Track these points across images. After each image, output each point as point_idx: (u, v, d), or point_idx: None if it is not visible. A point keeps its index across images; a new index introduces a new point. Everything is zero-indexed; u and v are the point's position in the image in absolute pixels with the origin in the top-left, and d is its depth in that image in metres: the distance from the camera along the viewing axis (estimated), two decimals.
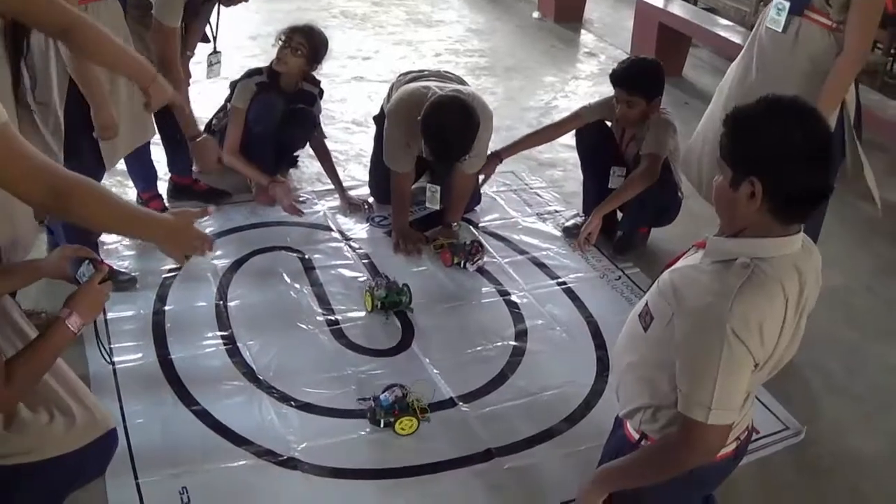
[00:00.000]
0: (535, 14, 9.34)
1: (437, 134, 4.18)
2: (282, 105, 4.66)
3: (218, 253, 4.37)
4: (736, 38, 7.15)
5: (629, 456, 2.51)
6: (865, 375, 4.05)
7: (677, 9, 7.91)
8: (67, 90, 3.38)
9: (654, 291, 2.42)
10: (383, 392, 3.42)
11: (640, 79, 4.42)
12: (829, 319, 4.36)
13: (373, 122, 5.05)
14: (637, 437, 2.56)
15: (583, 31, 8.88)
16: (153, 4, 3.96)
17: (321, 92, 4.96)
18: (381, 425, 3.36)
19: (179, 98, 3.82)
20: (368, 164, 5.22)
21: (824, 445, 3.58)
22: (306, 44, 4.64)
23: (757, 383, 2.40)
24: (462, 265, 4.42)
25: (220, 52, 4.83)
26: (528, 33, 8.80)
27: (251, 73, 4.75)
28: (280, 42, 4.66)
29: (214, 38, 4.74)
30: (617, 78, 4.46)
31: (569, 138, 4.99)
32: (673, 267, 2.43)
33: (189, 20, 4.30)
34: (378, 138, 4.81)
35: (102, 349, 3.36)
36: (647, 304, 2.44)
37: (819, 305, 4.10)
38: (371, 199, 5.02)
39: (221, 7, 4.55)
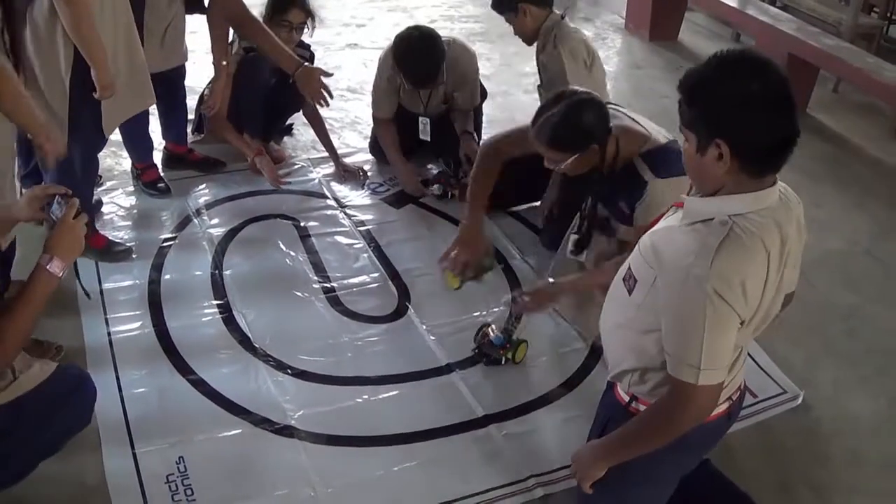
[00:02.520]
0: None
1: (404, 58, 4.51)
2: (269, 70, 4.63)
3: (214, 221, 4.35)
4: (732, 2, 7.08)
5: (624, 427, 2.49)
6: (864, 339, 4.04)
7: None
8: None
9: (637, 254, 2.39)
10: (482, 338, 3.59)
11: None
12: (827, 282, 4.36)
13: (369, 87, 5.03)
14: (627, 399, 2.55)
15: None
16: None
17: (312, 56, 4.93)
18: (504, 361, 3.54)
19: None
20: (364, 132, 5.22)
21: (823, 409, 3.58)
22: (305, 22, 4.63)
23: (745, 340, 2.38)
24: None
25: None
26: None
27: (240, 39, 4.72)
28: (272, 15, 4.60)
29: None
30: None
31: None
32: (653, 229, 2.40)
33: None
34: None
35: (82, 286, 3.28)
36: (629, 268, 2.42)
37: (817, 269, 4.15)
38: (367, 167, 4.98)
39: None
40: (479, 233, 3.79)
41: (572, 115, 3.18)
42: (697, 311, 2.15)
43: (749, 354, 3.51)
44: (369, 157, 5.15)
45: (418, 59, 4.51)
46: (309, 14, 4.66)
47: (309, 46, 4.94)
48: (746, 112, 2.11)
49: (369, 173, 4.97)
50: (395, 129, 4.88)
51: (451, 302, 3.95)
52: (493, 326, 3.62)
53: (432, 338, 3.72)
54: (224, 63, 4.53)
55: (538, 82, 4.69)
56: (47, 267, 2.40)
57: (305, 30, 4.71)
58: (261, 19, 4.50)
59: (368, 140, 5.21)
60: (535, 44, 4.59)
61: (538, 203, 4.56)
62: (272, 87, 4.70)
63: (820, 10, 7.44)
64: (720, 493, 2.94)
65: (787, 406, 3.57)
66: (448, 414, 3.33)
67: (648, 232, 2.40)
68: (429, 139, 4.91)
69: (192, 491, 2.90)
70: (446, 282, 3.82)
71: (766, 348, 3.80)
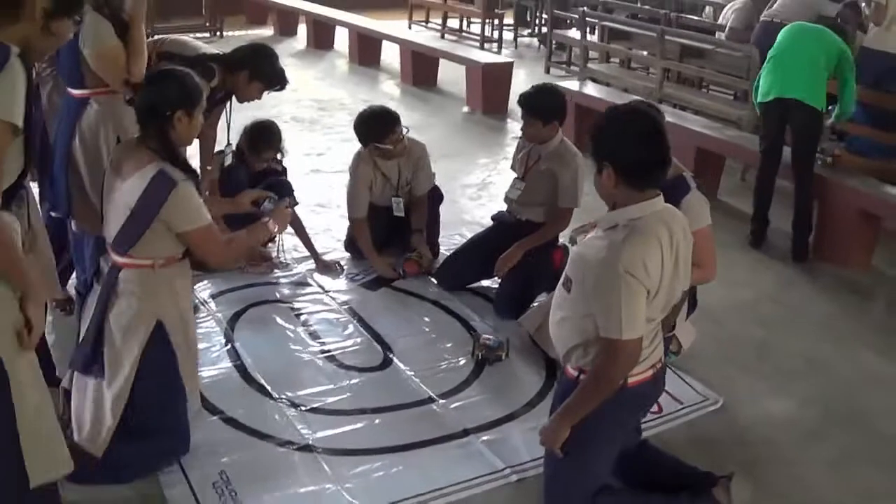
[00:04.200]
0: (465, 108, 10.29)
1: (370, 117, 5.58)
2: (248, 176, 5.56)
3: (220, 308, 5.13)
4: None
5: (575, 390, 3.27)
6: (773, 360, 4.90)
7: (591, 90, 8.90)
8: None
9: (569, 264, 3.28)
10: (480, 348, 4.67)
11: (532, 102, 5.17)
12: (739, 322, 5.28)
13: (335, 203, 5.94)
14: (576, 373, 3.33)
15: (508, 120, 9.77)
16: None
17: (285, 170, 5.80)
18: (503, 357, 4.65)
19: None
20: (336, 235, 6.08)
21: (740, 409, 4.40)
22: (275, 157, 5.77)
23: (656, 313, 3.20)
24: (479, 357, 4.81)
25: (231, 143, 5.66)
26: (460, 126, 9.75)
27: (218, 152, 5.64)
28: (248, 148, 5.66)
29: (228, 129, 5.54)
30: (518, 101, 5.23)
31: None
32: (581, 242, 3.31)
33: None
34: None
35: None
36: (565, 275, 3.29)
37: (731, 313, 5.07)
38: (343, 262, 5.83)
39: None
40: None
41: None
42: (615, 286, 3.02)
43: (675, 372, 4.46)
44: (344, 253, 5.95)
45: (381, 115, 5.55)
46: (278, 150, 5.79)
47: (282, 163, 5.83)
48: (622, 144, 3.10)
49: (345, 266, 5.78)
50: (367, 227, 5.67)
51: (428, 353, 4.76)
52: (483, 336, 4.65)
53: (416, 378, 4.49)
54: (209, 168, 5.36)
55: (517, 178, 5.47)
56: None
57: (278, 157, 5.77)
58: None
59: (343, 241, 6.01)
60: (531, 146, 5.36)
61: (490, 281, 5.48)
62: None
63: (724, 109, 8.55)
64: (662, 463, 3.67)
65: (709, 409, 4.38)
66: (435, 430, 4.08)
67: (578, 244, 3.28)
68: (402, 214, 5.73)
69: (236, 493, 3.60)
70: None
71: (689, 371, 4.64)
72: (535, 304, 5.06)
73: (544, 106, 5.18)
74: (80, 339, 3.63)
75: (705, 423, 4.27)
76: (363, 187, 5.61)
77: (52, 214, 4.53)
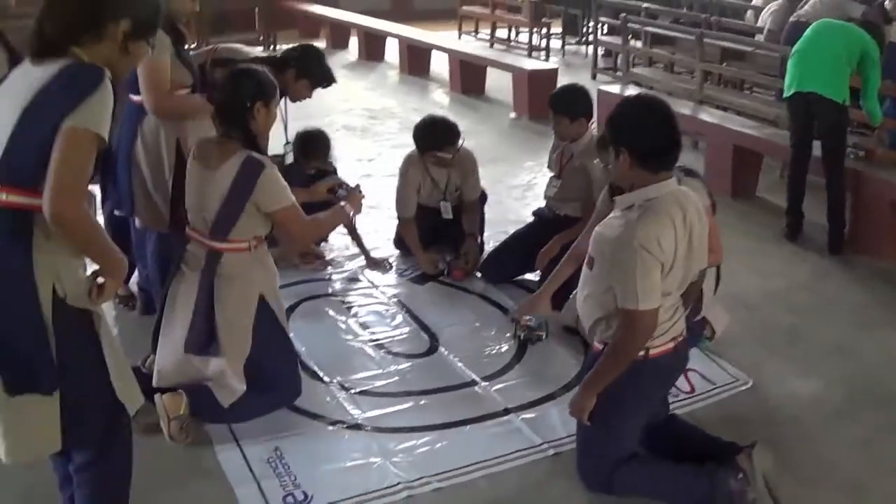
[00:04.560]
0: (512, 115, 10.56)
1: (421, 128, 5.77)
2: (304, 177, 5.76)
3: None
4: (685, 111, 8.24)
5: (598, 361, 3.54)
6: (803, 344, 5.09)
7: (634, 93, 9.05)
8: None
9: (591, 243, 3.55)
10: (522, 328, 4.95)
11: (559, 100, 5.49)
12: (773, 310, 5.47)
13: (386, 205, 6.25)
14: (600, 347, 3.59)
15: None
16: None
17: (335, 170, 6.08)
18: (544, 337, 4.95)
19: None
20: (385, 234, 6.39)
21: (770, 390, 4.60)
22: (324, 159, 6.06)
23: (673, 287, 3.45)
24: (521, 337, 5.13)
25: (289, 142, 5.87)
26: (506, 131, 10.02)
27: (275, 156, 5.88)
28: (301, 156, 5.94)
29: (286, 129, 5.72)
30: (548, 102, 5.54)
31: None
32: (601, 222, 3.58)
33: None
34: None
35: None
36: (589, 254, 3.57)
37: (764, 301, 5.32)
38: (392, 259, 6.14)
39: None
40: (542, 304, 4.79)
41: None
42: (631, 261, 3.29)
43: (707, 354, 4.72)
44: (394, 251, 6.26)
45: (434, 128, 5.75)
46: (326, 157, 6.14)
47: (332, 163, 6.13)
48: (638, 130, 3.41)
49: (394, 262, 6.08)
50: (415, 226, 5.96)
51: (472, 341, 5.03)
52: (524, 318, 4.92)
53: (461, 364, 4.76)
54: None
55: (554, 176, 5.74)
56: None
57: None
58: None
59: (392, 239, 6.30)
60: (564, 145, 5.63)
61: (533, 274, 5.70)
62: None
63: (762, 108, 8.73)
64: (689, 435, 3.89)
65: (739, 389, 4.58)
66: (477, 409, 4.35)
67: (599, 225, 3.54)
68: (451, 216, 5.99)
69: (289, 466, 3.87)
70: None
71: (721, 354, 4.86)
72: (572, 296, 5.26)
73: (569, 103, 5.47)
74: (190, 325, 3.95)
75: (735, 403, 4.47)
76: (411, 189, 5.90)
77: (116, 213, 4.86)
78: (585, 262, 3.60)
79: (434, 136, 5.71)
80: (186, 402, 3.87)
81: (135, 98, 4.46)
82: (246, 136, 3.87)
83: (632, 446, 3.65)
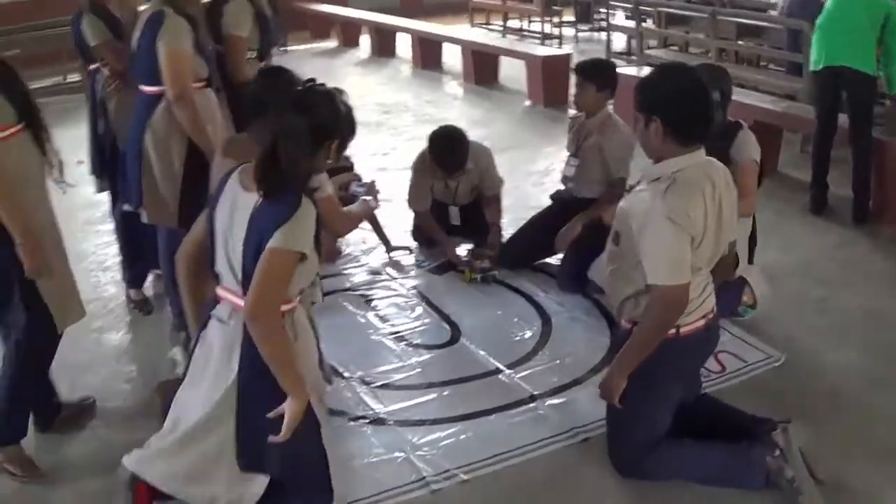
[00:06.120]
0: (527, 102, 10.42)
1: (438, 151, 5.55)
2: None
3: None
4: None
5: (628, 340, 3.41)
6: (833, 314, 4.97)
7: None
8: None
9: (616, 218, 3.40)
10: (476, 271, 5.41)
11: (589, 67, 5.37)
12: (800, 282, 5.34)
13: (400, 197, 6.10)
14: (629, 325, 3.46)
15: (569, 111, 9.87)
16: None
17: (352, 164, 5.96)
18: (497, 275, 5.42)
19: None
20: (399, 227, 6.27)
21: (803, 364, 4.47)
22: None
23: (703, 262, 3.32)
24: (478, 280, 5.48)
25: None
26: (522, 118, 9.89)
27: None
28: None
29: None
30: (575, 68, 5.46)
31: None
32: (625, 197, 3.45)
33: None
34: None
35: None
36: (614, 230, 3.42)
37: (791, 274, 5.20)
38: (413, 245, 6.05)
39: None
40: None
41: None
42: (659, 234, 3.15)
43: (734, 335, 4.62)
44: (412, 242, 6.13)
45: (448, 151, 5.53)
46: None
47: (349, 157, 6.00)
48: (670, 99, 3.22)
49: (413, 254, 5.98)
50: (431, 216, 5.87)
51: (494, 329, 4.93)
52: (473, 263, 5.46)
53: (483, 352, 4.64)
54: None
55: (571, 155, 5.58)
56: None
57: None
58: None
59: (410, 231, 6.17)
60: (581, 117, 5.51)
61: (552, 258, 5.61)
62: None
63: (780, 83, 8.58)
64: (722, 413, 3.76)
65: (772, 365, 4.45)
66: (502, 398, 4.23)
67: (623, 199, 3.40)
68: (458, 223, 5.91)
69: None
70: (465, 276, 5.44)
71: (750, 330, 4.72)
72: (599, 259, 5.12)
73: (599, 71, 5.34)
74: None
75: (768, 379, 4.35)
76: (424, 185, 5.80)
77: (125, 208, 4.76)
78: (610, 237, 3.46)
79: (446, 162, 5.56)
80: None
81: (147, 89, 4.37)
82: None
83: (664, 428, 3.52)
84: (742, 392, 4.20)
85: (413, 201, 5.90)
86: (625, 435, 3.56)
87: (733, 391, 4.19)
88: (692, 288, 3.26)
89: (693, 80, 3.26)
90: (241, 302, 2.92)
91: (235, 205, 2.91)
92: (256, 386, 2.95)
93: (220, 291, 3.06)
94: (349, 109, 3.25)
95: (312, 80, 3.13)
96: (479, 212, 5.90)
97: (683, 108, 3.21)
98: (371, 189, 4.15)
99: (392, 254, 5.92)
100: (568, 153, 5.62)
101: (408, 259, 5.93)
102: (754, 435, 3.49)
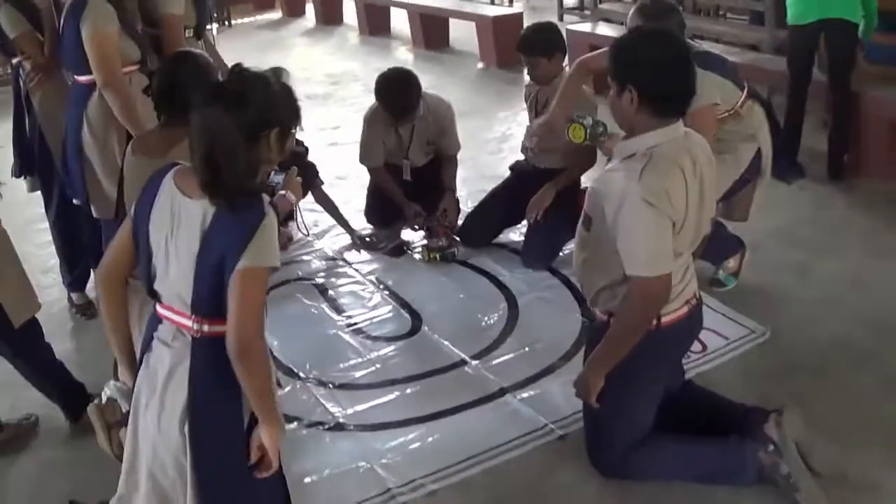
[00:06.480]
0: (479, 65, 10.10)
1: (384, 91, 5.21)
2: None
3: None
4: None
5: (605, 336, 3.09)
6: (816, 283, 4.69)
7: (605, 29, 8.69)
8: None
9: (587, 200, 3.05)
10: (434, 250, 5.14)
11: (531, 41, 4.97)
12: (780, 248, 5.06)
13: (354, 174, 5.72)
14: (605, 318, 3.15)
15: (524, 71, 9.55)
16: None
17: (307, 150, 5.59)
18: (456, 252, 5.15)
19: None
20: (356, 206, 5.91)
21: (788, 338, 4.20)
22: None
23: (685, 246, 3.00)
24: (437, 259, 5.19)
25: None
26: (475, 82, 9.57)
27: None
28: None
29: None
30: (517, 47, 5.04)
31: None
32: (595, 178, 3.10)
33: None
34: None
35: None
36: (584, 213, 3.08)
37: (769, 240, 4.87)
38: (365, 232, 5.67)
39: None
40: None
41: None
42: (636, 218, 2.81)
43: (715, 310, 4.30)
44: (361, 227, 5.75)
45: (396, 90, 5.17)
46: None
47: (303, 143, 5.62)
48: (649, 66, 2.86)
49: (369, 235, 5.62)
50: (385, 172, 5.51)
51: (458, 315, 4.61)
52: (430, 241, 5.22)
53: (445, 342, 4.33)
54: None
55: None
56: (285, 195, 3.30)
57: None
58: None
59: (363, 211, 5.82)
60: (537, 90, 5.16)
61: (517, 234, 5.28)
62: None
63: (742, 34, 8.31)
64: (709, 404, 3.45)
65: (757, 341, 4.17)
66: (470, 393, 3.92)
67: (594, 180, 3.07)
68: (409, 178, 5.49)
69: None
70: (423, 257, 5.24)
71: (731, 301, 4.44)
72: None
73: (542, 40, 4.97)
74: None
75: (752, 357, 4.07)
76: (376, 139, 5.45)
77: (75, 202, 4.46)
78: (581, 221, 3.12)
79: (394, 102, 5.22)
80: None
81: (80, 79, 4.14)
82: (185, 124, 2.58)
83: (647, 425, 3.23)
84: (726, 373, 3.94)
85: (364, 157, 5.54)
86: (604, 435, 3.26)
87: (717, 373, 3.93)
88: (672, 275, 2.95)
89: (674, 46, 2.91)
90: (188, 323, 2.51)
91: (177, 215, 2.47)
92: (209, 413, 2.57)
93: (161, 311, 2.66)
94: (287, 92, 2.84)
95: (238, 64, 2.74)
96: (434, 176, 5.53)
97: (662, 76, 2.86)
98: (290, 181, 3.46)
99: (359, 245, 5.56)
100: (526, 123, 5.28)
101: (378, 242, 5.57)
102: (745, 427, 3.21)
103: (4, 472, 3.65)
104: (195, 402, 2.55)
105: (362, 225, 5.75)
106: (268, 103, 2.50)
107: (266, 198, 2.44)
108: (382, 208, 5.66)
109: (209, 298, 2.42)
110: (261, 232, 2.36)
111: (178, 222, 2.45)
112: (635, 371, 3.09)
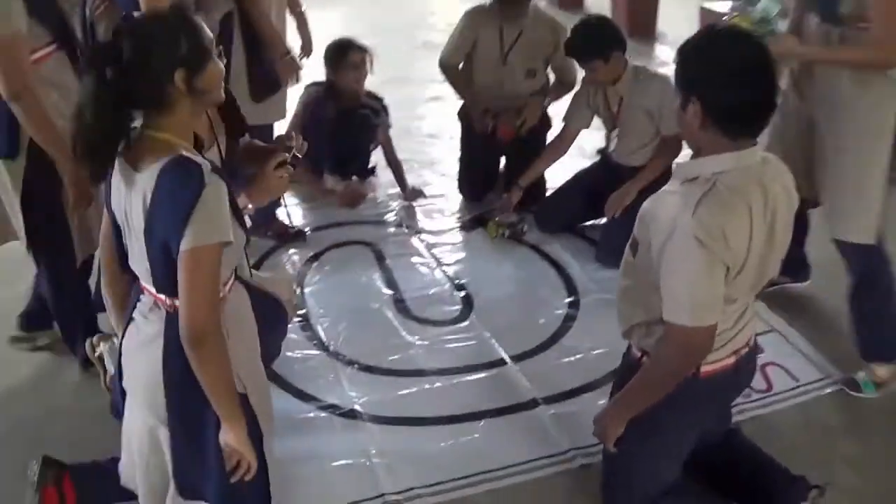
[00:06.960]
0: None
1: None
2: (333, 112, 5.02)
3: (293, 250, 4.80)
4: None
5: (633, 379, 2.72)
6: None
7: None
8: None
9: (638, 221, 2.65)
10: (503, 227, 4.84)
11: (585, 45, 4.49)
12: None
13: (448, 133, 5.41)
14: (639, 355, 2.78)
15: (657, 45, 9.06)
16: None
17: (384, 107, 5.28)
18: (524, 231, 4.88)
19: None
20: (440, 170, 5.68)
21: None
22: (364, 59, 5.03)
23: (741, 293, 2.59)
24: (505, 236, 4.86)
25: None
26: None
27: (308, 86, 5.14)
28: (334, 65, 5.05)
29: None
30: (568, 51, 4.59)
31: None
32: (651, 196, 2.66)
33: None
34: (464, 136, 5.35)
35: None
36: (633, 235, 2.68)
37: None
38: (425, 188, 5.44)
39: None
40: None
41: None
42: (683, 257, 2.40)
43: (793, 344, 3.86)
44: (441, 192, 5.49)
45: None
46: (365, 51, 5.04)
47: (382, 99, 5.33)
48: (716, 75, 2.42)
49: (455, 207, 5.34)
50: (462, 74, 5.20)
51: (511, 307, 4.30)
52: (498, 218, 4.90)
53: (490, 335, 4.03)
54: None
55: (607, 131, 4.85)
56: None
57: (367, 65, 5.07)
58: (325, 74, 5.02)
59: (457, 181, 5.49)
60: (601, 91, 4.71)
61: (600, 220, 4.85)
62: (336, 122, 5.03)
63: None
64: (749, 461, 3.06)
65: (830, 389, 3.70)
66: (498, 399, 3.62)
67: (649, 199, 2.66)
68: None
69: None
70: (488, 232, 4.91)
71: (808, 336, 3.98)
72: None
73: (593, 42, 4.46)
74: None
75: (820, 407, 3.62)
76: (468, 37, 5.08)
77: None
78: (629, 242, 2.74)
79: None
80: None
81: None
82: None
83: (669, 479, 2.87)
84: (787, 420, 3.50)
85: (446, 53, 5.19)
86: (621, 482, 2.91)
87: (778, 418, 3.50)
88: (723, 319, 2.56)
89: (751, 53, 2.43)
90: (162, 297, 2.37)
91: (129, 189, 2.26)
92: (184, 390, 2.40)
93: (143, 283, 2.48)
94: (174, 32, 2.24)
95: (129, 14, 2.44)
96: (529, 156, 5.10)
97: (732, 88, 2.40)
98: (263, 177, 2.88)
99: (409, 197, 5.32)
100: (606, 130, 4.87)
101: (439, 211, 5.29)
102: (780, 498, 2.83)
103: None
104: (170, 378, 2.41)
105: (442, 190, 5.46)
106: (141, 49, 2.19)
107: (207, 164, 2.21)
108: (473, 182, 5.37)
109: (166, 276, 2.27)
110: (200, 206, 2.16)
111: (129, 198, 2.25)
112: (663, 421, 2.72)
